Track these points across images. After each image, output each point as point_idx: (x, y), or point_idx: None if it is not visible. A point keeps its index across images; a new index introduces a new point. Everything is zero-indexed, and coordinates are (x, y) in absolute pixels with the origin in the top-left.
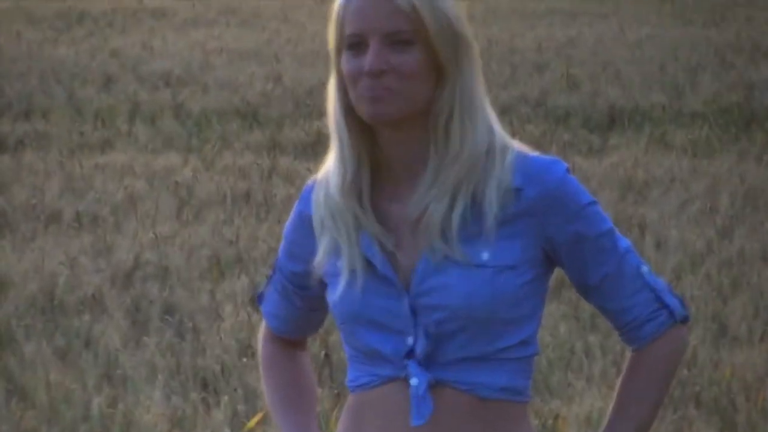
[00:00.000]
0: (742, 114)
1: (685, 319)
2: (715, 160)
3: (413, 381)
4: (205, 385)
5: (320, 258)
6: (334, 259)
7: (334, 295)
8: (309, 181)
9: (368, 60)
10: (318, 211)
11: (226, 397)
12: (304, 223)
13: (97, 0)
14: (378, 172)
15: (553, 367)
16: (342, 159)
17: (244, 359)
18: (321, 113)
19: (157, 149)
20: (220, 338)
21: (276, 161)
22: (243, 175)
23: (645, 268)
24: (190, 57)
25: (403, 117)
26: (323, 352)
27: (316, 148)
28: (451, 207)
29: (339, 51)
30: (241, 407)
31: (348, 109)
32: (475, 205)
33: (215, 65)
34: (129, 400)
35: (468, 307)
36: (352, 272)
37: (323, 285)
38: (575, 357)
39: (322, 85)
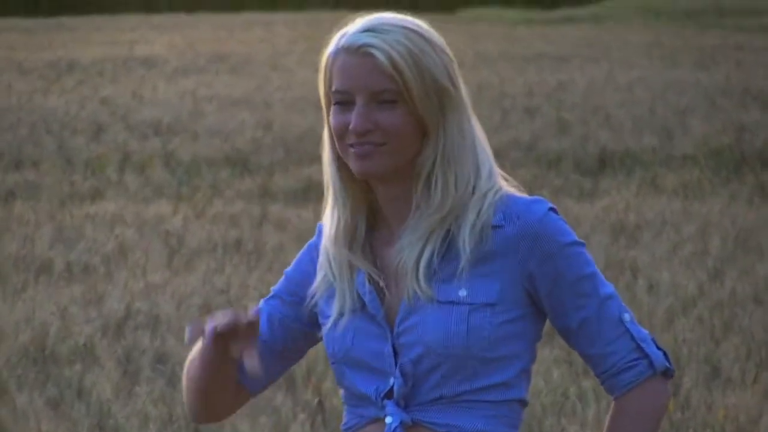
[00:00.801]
0: (733, 156)
1: (666, 372)
2: (706, 202)
3: (387, 420)
4: None
5: (315, 286)
6: (328, 299)
7: (326, 335)
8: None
9: (354, 120)
10: (322, 251)
11: None
12: (313, 254)
13: (87, 49)
14: (373, 215)
15: (546, 412)
16: (336, 208)
17: None
18: (312, 159)
19: (147, 198)
20: None
21: (267, 209)
22: (234, 223)
23: (627, 316)
24: (180, 105)
25: (389, 171)
26: (317, 399)
27: (307, 195)
28: (422, 250)
29: (328, 103)
30: None
31: (340, 159)
32: (452, 245)
33: (205, 113)
34: None
35: (443, 344)
36: (343, 313)
37: (310, 324)
38: (569, 402)
39: (313, 131)
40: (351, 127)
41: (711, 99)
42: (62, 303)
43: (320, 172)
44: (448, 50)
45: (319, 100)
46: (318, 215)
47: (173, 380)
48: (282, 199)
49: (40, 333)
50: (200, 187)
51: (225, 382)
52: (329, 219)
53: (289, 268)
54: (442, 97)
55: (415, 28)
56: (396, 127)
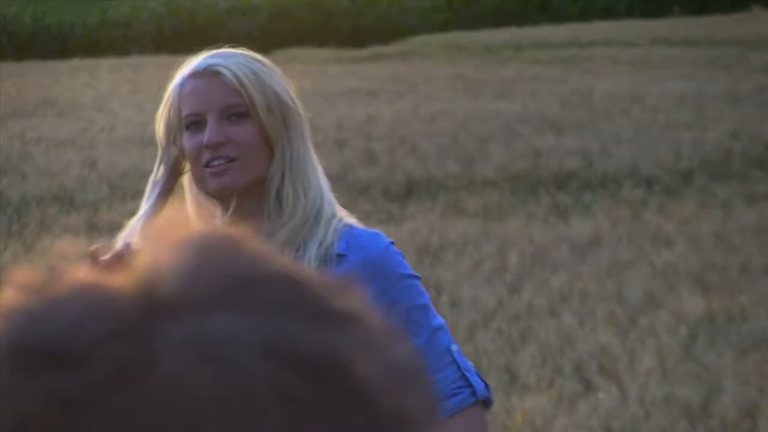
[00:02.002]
0: (530, 180)
1: (487, 401)
2: (506, 222)
3: None
4: None
5: None
6: None
7: None
8: None
9: (207, 134)
10: None
11: None
12: None
13: None
14: None
15: None
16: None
17: None
18: (135, 195)
19: None
20: None
21: (93, 242)
22: (61, 257)
23: (455, 347)
24: (10, 148)
25: (246, 185)
26: None
27: None
28: None
29: (176, 133)
30: None
31: (190, 184)
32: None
33: (33, 154)
34: None
35: None
36: None
37: None
38: None
39: (136, 168)
40: (205, 141)
41: (509, 127)
42: None
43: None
44: (284, 78)
45: (141, 138)
46: None
47: None
48: (107, 233)
49: None
50: (29, 224)
51: None
52: None
53: None
54: (284, 114)
55: (254, 55)
56: (246, 140)
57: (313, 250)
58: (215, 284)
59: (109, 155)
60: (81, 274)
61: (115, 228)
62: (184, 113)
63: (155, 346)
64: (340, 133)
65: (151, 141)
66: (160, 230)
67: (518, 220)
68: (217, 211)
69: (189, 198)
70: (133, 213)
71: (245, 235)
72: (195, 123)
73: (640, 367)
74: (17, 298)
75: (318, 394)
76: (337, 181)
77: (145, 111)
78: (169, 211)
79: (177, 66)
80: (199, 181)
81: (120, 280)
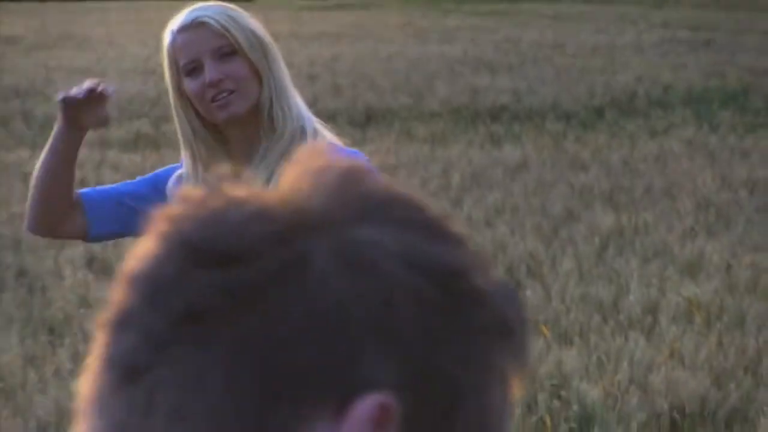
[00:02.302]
0: (469, 112)
1: None
2: (449, 148)
3: None
4: (51, 331)
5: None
6: None
7: None
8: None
9: (208, 74)
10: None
11: (68, 340)
12: (160, 182)
13: None
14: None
15: None
16: (194, 158)
17: (82, 310)
18: (139, 116)
19: (9, 147)
20: (63, 294)
21: (105, 154)
22: (78, 165)
23: None
24: (35, 74)
25: (248, 112)
26: None
27: (136, 144)
28: (273, 171)
29: (180, 81)
30: (81, 347)
31: (197, 120)
32: None
33: (55, 80)
34: None
35: None
36: None
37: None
38: None
39: (141, 94)
40: (207, 80)
41: (452, 68)
42: None
43: (147, 125)
44: (254, 18)
45: (145, 69)
46: (145, 159)
47: (32, 289)
48: (117, 147)
49: None
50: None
51: (65, 181)
52: (190, 169)
53: (139, 180)
54: (263, 47)
55: (225, 4)
56: (240, 74)
57: None
58: (355, 204)
59: (118, 83)
60: (234, 192)
61: (122, 143)
62: (182, 63)
63: (307, 252)
64: (311, 69)
65: (153, 71)
66: (301, 159)
67: (459, 146)
68: (225, 140)
69: (196, 140)
70: (137, 131)
71: (370, 168)
72: (193, 69)
73: (561, 269)
74: (183, 208)
75: (444, 298)
76: (309, 108)
77: (148, 46)
78: (308, 143)
79: (175, 9)
80: (208, 115)
81: (269, 198)
